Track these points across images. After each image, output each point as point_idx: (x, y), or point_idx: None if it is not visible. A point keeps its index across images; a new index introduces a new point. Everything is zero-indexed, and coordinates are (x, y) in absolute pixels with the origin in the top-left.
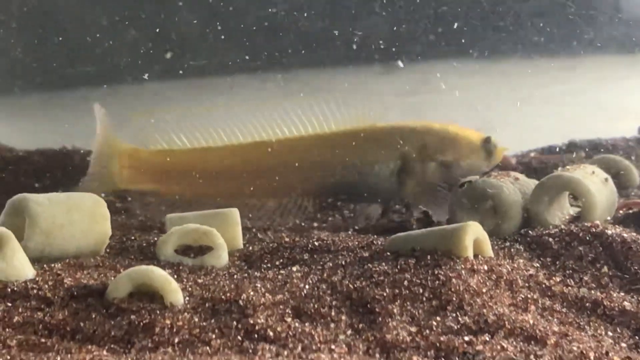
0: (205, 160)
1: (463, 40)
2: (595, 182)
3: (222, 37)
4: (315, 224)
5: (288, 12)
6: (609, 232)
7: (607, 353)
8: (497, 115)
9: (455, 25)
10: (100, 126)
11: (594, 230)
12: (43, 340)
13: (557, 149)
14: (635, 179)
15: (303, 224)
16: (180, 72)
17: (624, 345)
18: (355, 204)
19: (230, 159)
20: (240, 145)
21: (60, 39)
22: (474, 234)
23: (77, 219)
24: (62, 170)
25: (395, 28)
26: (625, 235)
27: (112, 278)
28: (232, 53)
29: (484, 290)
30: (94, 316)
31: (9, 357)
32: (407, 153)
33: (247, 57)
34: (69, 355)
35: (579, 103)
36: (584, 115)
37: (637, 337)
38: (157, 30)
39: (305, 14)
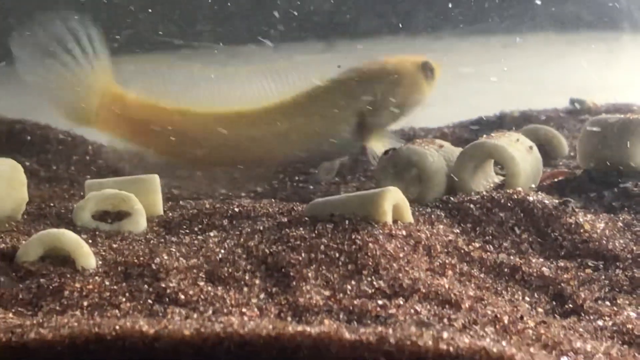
0: (186, 122)
1: (403, 17)
2: (519, 149)
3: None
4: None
5: None
6: (531, 198)
7: (521, 317)
8: (436, 90)
9: (397, 1)
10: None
11: (515, 196)
12: None
13: (487, 120)
14: (564, 148)
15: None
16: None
17: (540, 310)
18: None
19: (207, 125)
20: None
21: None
22: (393, 199)
23: None
24: None
25: (336, 3)
26: (546, 201)
27: (24, 242)
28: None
29: (401, 255)
30: (2, 279)
31: None
32: (362, 108)
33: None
34: None
35: (517, 80)
36: (520, 91)
37: (554, 302)
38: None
39: None
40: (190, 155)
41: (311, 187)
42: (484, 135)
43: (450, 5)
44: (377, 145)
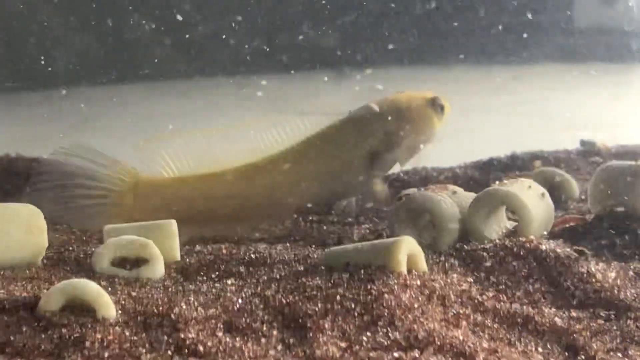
0: (215, 185)
1: (411, 48)
2: (532, 196)
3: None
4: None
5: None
6: (543, 247)
7: None
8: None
9: (405, 32)
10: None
11: (528, 245)
12: None
13: (498, 161)
14: (575, 192)
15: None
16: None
17: None
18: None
19: (236, 181)
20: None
21: (5, 42)
22: (407, 248)
23: (13, 230)
24: (4, 178)
25: (345, 35)
26: (559, 250)
27: (46, 290)
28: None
29: (416, 306)
30: (24, 330)
31: None
32: (374, 146)
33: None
34: None
35: (525, 113)
36: (529, 125)
37: (567, 353)
38: (105, 35)
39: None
40: (220, 217)
41: (324, 227)
42: (497, 182)
43: (459, 37)
44: (379, 187)
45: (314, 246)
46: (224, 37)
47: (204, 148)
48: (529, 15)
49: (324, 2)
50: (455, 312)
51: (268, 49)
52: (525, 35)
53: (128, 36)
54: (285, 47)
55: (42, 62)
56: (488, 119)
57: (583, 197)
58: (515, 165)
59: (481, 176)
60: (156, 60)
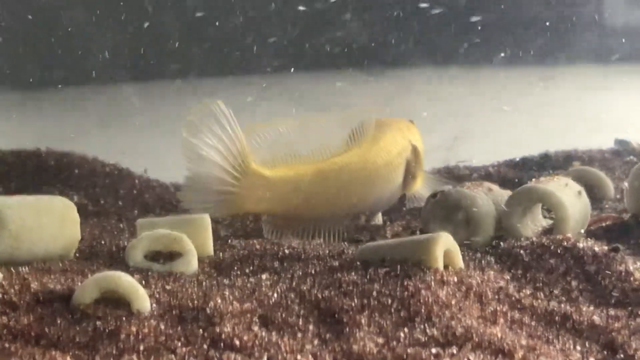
0: (325, 179)
1: (445, 49)
2: (568, 194)
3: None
4: None
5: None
6: (581, 245)
7: None
8: (476, 124)
9: (438, 33)
10: (230, 130)
11: (565, 243)
12: (7, 345)
13: (531, 159)
14: (610, 191)
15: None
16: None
17: None
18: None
19: (337, 177)
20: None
21: (37, 39)
22: (444, 245)
23: (47, 222)
24: (35, 172)
25: (379, 34)
26: (596, 248)
27: (79, 283)
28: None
29: (453, 302)
30: (59, 322)
31: None
32: (408, 164)
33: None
34: None
35: (557, 114)
36: (562, 126)
37: (605, 352)
38: (138, 31)
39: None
40: (324, 210)
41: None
42: (532, 179)
43: (490, 37)
44: (422, 189)
45: (347, 243)
46: (248, 35)
47: (289, 139)
48: (562, 16)
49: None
50: (492, 309)
51: (289, 47)
52: (557, 36)
53: (157, 34)
54: (309, 45)
55: (71, 59)
56: (519, 120)
57: (618, 196)
58: (549, 165)
59: (514, 175)
60: (185, 59)
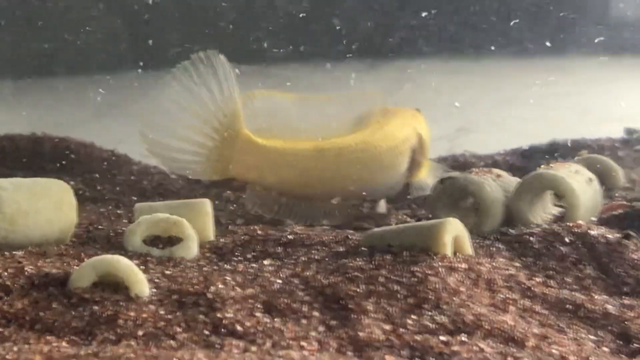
0: (311, 158)
1: (450, 39)
2: (579, 181)
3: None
4: None
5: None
6: (593, 232)
7: (587, 358)
8: (480, 115)
9: (443, 23)
10: (223, 85)
11: (576, 230)
12: (0, 329)
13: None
14: (620, 179)
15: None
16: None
17: (605, 349)
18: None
19: (333, 158)
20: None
21: (37, 27)
22: (453, 230)
23: (42, 205)
24: (31, 157)
25: (380, 25)
26: (609, 236)
27: (76, 267)
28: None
29: (462, 289)
30: (54, 306)
31: None
32: (413, 152)
33: None
34: (26, 346)
35: (565, 106)
36: (569, 118)
37: (619, 341)
38: (139, 22)
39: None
40: (315, 189)
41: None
42: (542, 166)
43: (494, 27)
44: (428, 178)
45: (351, 230)
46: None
47: (290, 113)
48: (569, 8)
49: None
50: (503, 296)
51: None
52: (565, 27)
53: (152, 23)
54: (311, 36)
55: (67, 49)
56: (526, 111)
57: (628, 184)
58: (557, 153)
59: (522, 163)
60: (183, 47)
